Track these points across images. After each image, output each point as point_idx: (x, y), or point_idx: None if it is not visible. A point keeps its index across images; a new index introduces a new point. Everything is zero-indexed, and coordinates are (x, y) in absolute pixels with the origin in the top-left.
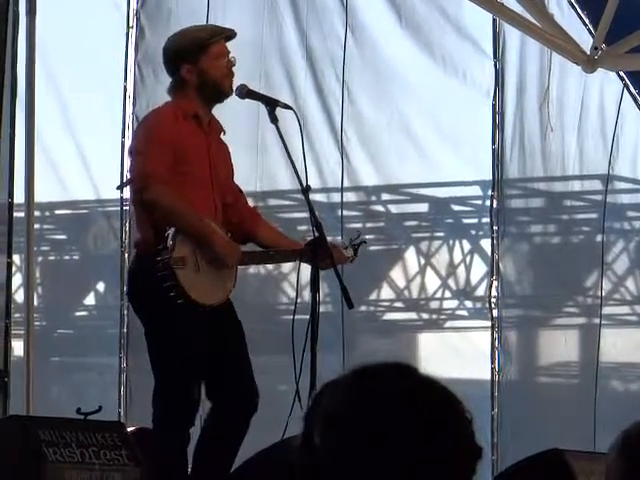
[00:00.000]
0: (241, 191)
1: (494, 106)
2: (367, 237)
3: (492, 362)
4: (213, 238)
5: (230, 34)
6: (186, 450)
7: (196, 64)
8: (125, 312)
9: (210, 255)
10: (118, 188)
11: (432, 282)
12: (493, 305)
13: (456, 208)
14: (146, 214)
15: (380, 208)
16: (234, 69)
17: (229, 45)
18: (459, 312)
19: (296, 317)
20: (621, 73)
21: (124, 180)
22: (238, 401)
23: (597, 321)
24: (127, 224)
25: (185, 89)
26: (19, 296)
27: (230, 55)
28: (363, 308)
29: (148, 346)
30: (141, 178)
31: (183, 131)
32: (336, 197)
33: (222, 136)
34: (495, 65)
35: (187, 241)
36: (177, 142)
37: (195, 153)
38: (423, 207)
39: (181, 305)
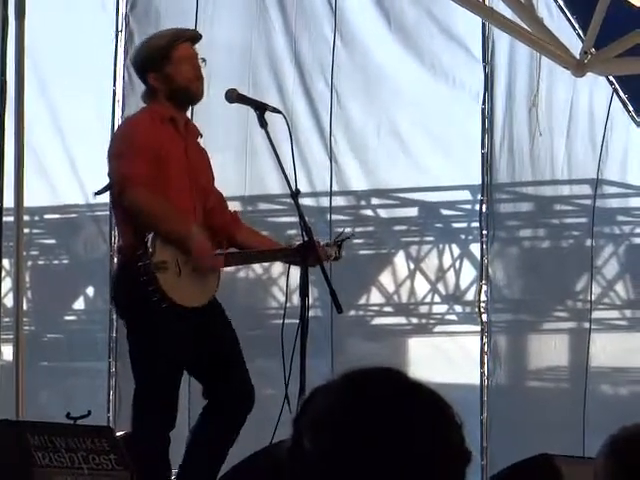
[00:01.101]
0: (222, 196)
1: (483, 110)
2: (356, 241)
3: (481, 366)
4: (191, 243)
5: (194, 36)
6: (167, 453)
7: (161, 71)
8: (114, 317)
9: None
10: (96, 194)
11: (421, 286)
12: (482, 309)
13: (445, 212)
14: (127, 219)
15: (369, 212)
16: (223, 72)
17: (220, 48)
18: (448, 317)
19: (285, 321)
20: (610, 78)
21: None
22: (234, 398)
23: (587, 325)
24: (116, 228)
25: (156, 96)
26: (8, 300)
27: (199, 57)
28: (352, 312)
29: (129, 349)
30: (120, 181)
31: (161, 135)
32: (325, 201)
33: (200, 140)
34: (484, 69)
35: (168, 245)
36: (155, 146)
37: (173, 157)
38: (412, 211)
39: (164, 309)
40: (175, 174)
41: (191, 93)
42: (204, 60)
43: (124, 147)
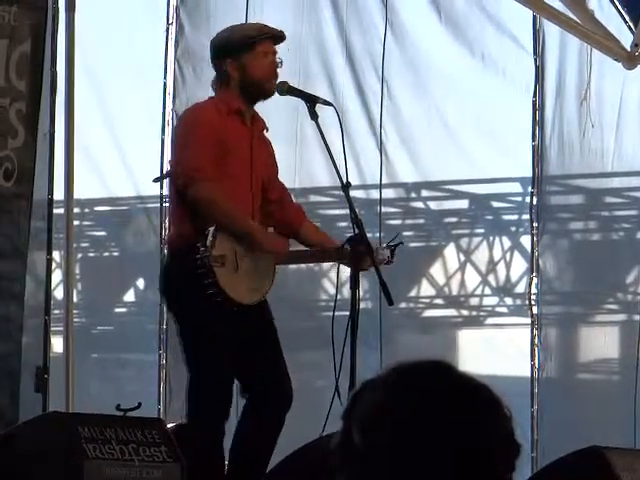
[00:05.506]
0: (285, 189)
1: (534, 102)
2: (407, 234)
3: (532, 359)
4: (257, 235)
5: (279, 35)
6: (222, 444)
7: (239, 60)
8: (165, 309)
9: (256, 252)
10: (155, 180)
11: (472, 279)
12: (533, 302)
13: (496, 205)
14: (187, 210)
15: (420, 205)
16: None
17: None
18: (499, 309)
19: (336, 314)
20: None
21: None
22: (273, 397)
23: (637, 318)
24: (167, 220)
25: (228, 84)
26: (59, 292)
27: (277, 57)
28: (403, 305)
29: (182, 342)
30: (186, 174)
31: (226, 126)
32: (375, 194)
33: (265, 133)
34: (535, 62)
35: (227, 240)
36: (220, 137)
37: (237, 149)
38: (463, 204)
39: (217, 303)
40: (236, 166)
41: (263, 89)
42: (281, 61)
43: (189, 138)
